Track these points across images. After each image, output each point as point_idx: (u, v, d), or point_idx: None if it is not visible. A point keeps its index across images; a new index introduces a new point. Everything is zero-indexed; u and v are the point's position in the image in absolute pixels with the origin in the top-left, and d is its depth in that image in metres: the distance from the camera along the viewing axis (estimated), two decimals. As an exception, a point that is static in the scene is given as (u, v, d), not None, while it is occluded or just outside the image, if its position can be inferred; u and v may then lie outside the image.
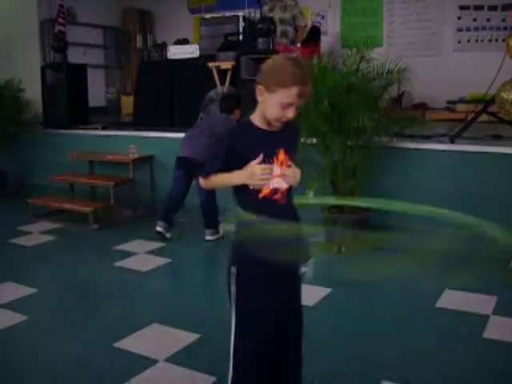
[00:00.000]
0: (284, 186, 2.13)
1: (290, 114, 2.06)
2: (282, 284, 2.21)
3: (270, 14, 7.52)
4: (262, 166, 2.06)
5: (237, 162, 2.09)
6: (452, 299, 3.85)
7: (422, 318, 3.60)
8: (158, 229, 5.27)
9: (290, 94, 2.01)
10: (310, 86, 2.06)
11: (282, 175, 2.10)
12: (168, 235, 5.29)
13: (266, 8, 7.69)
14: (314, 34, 9.29)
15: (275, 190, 2.12)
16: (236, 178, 2.10)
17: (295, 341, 2.33)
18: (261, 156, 2.06)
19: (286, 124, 2.15)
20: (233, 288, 2.16)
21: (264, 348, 2.19)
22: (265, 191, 2.11)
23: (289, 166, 2.13)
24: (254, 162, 2.05)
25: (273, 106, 2.06)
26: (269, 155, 2.10)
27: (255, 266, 2.11)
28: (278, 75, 2.04)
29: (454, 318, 3.58)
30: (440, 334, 3.37)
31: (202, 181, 2.22)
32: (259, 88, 2.09)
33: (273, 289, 2.18)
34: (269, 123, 2.13)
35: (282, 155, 2.12)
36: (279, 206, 2.14)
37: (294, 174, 2.13)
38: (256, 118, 2.15)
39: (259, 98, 2.10)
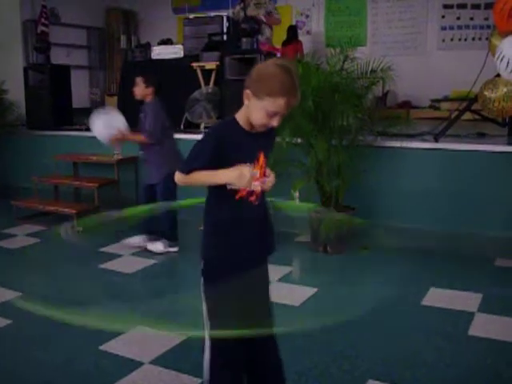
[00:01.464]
0: (259, 188, 2.15)
1: (275, 122, 2.06)
2: (246, 282, 2.20)
3: (242, 13, 7.53)
4: (251, 170, 2.06)
5: (222, 162, 2.07)
6: (437, 297, 3.87)
7: (407, 316, 3.61)
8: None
9: (277, 103, 2.00)
10: (298, 97, 2.05)
11: (261, 181, 2.13)
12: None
13: (237, 7, 7.71)
14: (293, 32, 9.32)
15: (251, 192, 2.15)
16: (222, 176, 2.06)
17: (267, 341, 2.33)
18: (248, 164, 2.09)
19: None
20: (201, 281, 2.24)
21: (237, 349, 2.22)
22: (241, 193, 2.13)
23: (263, 171, 2.15)
24: (245, 167, 2.04)
25: (258, 112, 2.04)
26: (252, 158, 2.12)
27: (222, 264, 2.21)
28: (267, 83, 2.00)
29: (439, 315, 3.60)
30: (426, 331, 3.38)
31: (178, 176, 2.14)
32: (247, 92, 2.06)
33: (237, 287, 2.17)
34: (252, 125, 2.12)
35: (261, 158, 2.14)
36: (253, 207, 2.18)
37: (272, 180, 2.18)
38: (240, 118, 2.13)
39: (245, 102, 2.08)
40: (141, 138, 4.99)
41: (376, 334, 3.36)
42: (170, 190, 4.65)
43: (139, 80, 5.06)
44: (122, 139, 5.04)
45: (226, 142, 2.10)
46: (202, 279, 2.22)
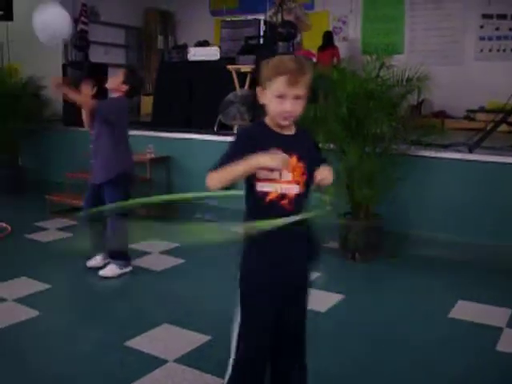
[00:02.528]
0: (292, 192, 2.08)
1: (288, 106, 2.02)
2: (282, 296, 2.18)
3: (274, 18, 7.56)
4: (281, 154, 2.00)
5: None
6: (465, 310, 3.82)
7: (433, 328, 3.57)
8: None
9: (278, 84, 2.01)
10: (301, 74, 2.02)
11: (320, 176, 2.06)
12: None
13: (270, 12, 7.74)
14: (329, 38, 9.32)
15: (283, 196, 2.07)
16: (253, 160, 1.96)
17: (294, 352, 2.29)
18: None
19: (298, 128, 2.16)
20: (238, 292, 2.16)
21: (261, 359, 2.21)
22: (272, 195, 2.07)
23: (297, 174, 2.09)
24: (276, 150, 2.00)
25: (270, 102, 2.06)
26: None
27: (259, 275, 2.14)
28: (266, 71, 2.06)
29: (466, 329, 3.55)
30: (452, 345, 3.34)
31: (210, 176, 2.01)
32: (259, 90, 2.11)
33: (273, 300, 2.15)
34: (280, 126, 2.10)
35: (294, 161, 2.07)
36: (286, 214, 2.04)
37: (322, 173, 2.06)
38: (268, 120, 2.13)
39: (261, 101, 2.10)
40: (87, 99, 4.38)
41: (401, 344, 3.33)
42: (119, 195, 4.24)
43: (122, 72, 4.46)
44: (59, 87, 4.60)
45: (256, 143, 2.06)
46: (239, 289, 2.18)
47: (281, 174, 2.06)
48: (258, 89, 2.11)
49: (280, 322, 2.18)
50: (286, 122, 2.08)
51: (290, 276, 2.17)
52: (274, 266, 2.12)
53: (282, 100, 2.03)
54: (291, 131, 2.14)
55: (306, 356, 2.29)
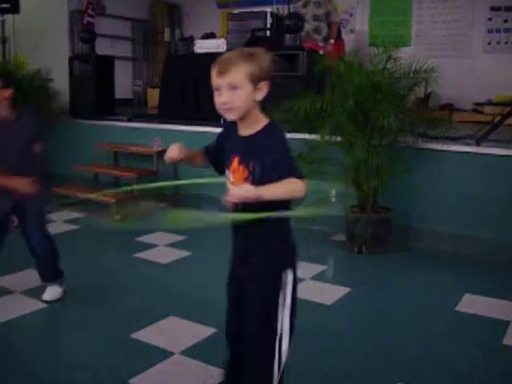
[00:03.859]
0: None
1: (222, 97, 1.96)
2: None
3: (304, 10, 7.49)
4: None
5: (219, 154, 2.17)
6: (472, 303, 3.81)
7: (440, 321, 3.57)
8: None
9: (212, 76, 1.99)
10: (232, 62, 1.95)
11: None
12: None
13: (299, 3, 7.67)
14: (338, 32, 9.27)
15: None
16: None
17: None
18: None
19: (263, 128, 2.02)
20: (288, 295, 2.07)
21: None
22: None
23: (239, 177, 2.02)
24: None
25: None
26: (228, 160, 2.08)
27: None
28: None
29: (473, 322, 3.54)
30: (458, 337, 3.33)
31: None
32: None
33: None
34: (240, 125, 2.06)
35: (235, 163, 2.04)
36: (232, 211, 2.01)
37: (237, 194, 1.85)
38: None
39: None
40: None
41: (407, 337, 3.32)
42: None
43: None
44: None
45: (222, 141, 2.19)
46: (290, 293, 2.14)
47: (229, 175, 2.08)
48: None
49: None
50: (228, 116, 2.00)
51: (236, 267, 2.19)
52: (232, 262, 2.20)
53: (218, 93, 1.98)
54: (249, 131, 2.03)
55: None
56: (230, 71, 1.93)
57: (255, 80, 1.95)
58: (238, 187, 1.89)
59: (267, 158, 1.94)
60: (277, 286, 2.06)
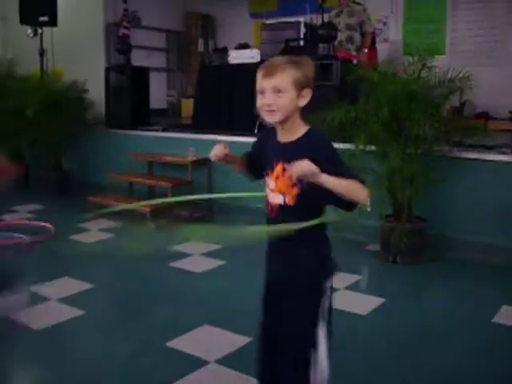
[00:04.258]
0: (276, 201, 2.07)
1: (267, 99, 2.01)
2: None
3: (337, 19, 7.50)
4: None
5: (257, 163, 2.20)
6: (510, 315, 3.75)
7: (477, 333, 3.51)
8: None
9: (258, 79, 2.05)
10: (279, 66, 2.00)
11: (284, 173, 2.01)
12: None
13: (332, 13, 7.67)
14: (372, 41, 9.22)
15: (268, 203, 2.12)
16: None
17: None
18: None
19: (306, 134, 2.05)
20: (326, 304, 2.10)
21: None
22: (265, 202, 2.15)
23: (282, 183, 2.05)
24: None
25: (257, 99, 2.07)
26: (268, 167, 2.10)
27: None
28: None
29: (510, 334, 3.48)
30: (496, 350, 3.28)
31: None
32: None
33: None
34: (280, 131, 2.10)
35: (278, 169, 2.05)
36: (271, 220, 2.11)
37: (297, 167, 1.86)
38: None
39: None
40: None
41: (442, 348, 3.28)
42: None
43: None
44: None
45: (258, 148, 2.24)
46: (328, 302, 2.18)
47: (269, 181, 2.11)
48: None
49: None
50: (270, 119, 2.04)
51: (274, 275, 2.19)
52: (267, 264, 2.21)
53: (262, 94, 2.03)
54: (291, 137, 2.06)
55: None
56: (276, 75, 1.99)
57: (299, 86, 2.00)
58: (299, 163, 1.86)
59: (327, 164, 1.91)
60: (317, 297, 2.08)
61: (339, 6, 7.72)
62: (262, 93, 2.02)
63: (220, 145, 2.13)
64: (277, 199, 2.07)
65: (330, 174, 1.88)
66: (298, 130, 2.06)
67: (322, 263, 2.11)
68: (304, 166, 1.84)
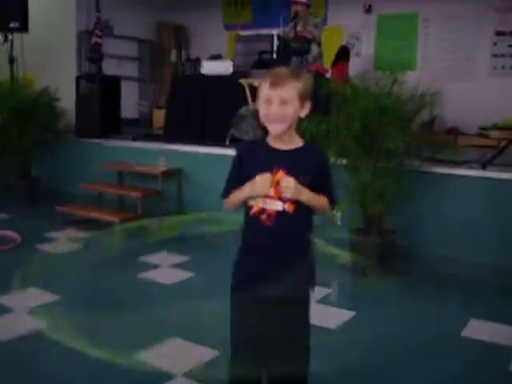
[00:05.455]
0: (274, 207, 2.10)
1: (273, 108, 2.07)
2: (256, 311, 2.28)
3: (291, 34, 7.50)
4: (264, 175, 2.07)
5: (242, 179, 2.14)
6: (478, 329, 3.77)
7: (446, 347, 3.52)
8: None
9: (263, 89, 2.09)
10: (285, 77, 2.08)
11: (275, 185, 2.07)
12: None
13: (288, 28, 7.67)
14: (342, 53, 9.28)
15: (263, 210, 2.12)
16: (243, 191, 2.13)
17: None
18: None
19: (305, 145, 2.18)
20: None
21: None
22: (254, 209, 2.13)
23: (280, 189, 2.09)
24: (261, 175, 2.08)
25: (260, 108, 2.12)
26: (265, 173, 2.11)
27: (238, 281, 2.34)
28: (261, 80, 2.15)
29: (479, 348, 3.50)
30: (464, 364, 3.29)
31: (224, 204, 2.23)
32: (256, 104, 2.18)
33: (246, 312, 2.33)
34: (278, 141, 2.15)
35: (280, 175, 2.08)
36: (265, 228, 2.12)
37: (288, 185, 2.05)
38: (269, 136, 2.19)
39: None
40: None
41: (412, 362, 3.29)
42: None
43: None
44: None
45: (245, 159, 2.19)
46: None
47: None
48: (257, 101, 2.16)
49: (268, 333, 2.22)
50: (275, 129, 2.10)
51: (264, 289, 2.16)
52: (251, 277, 2.21)
53: (268, 104, 2.08)
54: (291, 146, 2.16)
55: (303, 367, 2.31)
56: (284, 87, 2.06)
57: (303, 98, 2.11)
58: (290, 178, 2.05)
59: (322, 177, 2.17)
60: (308, 304, 2.26)
61: (297, 18, 7.66)
62: (269, 103, 2.08)
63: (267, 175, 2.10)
64: (275, 206, 2.10)
65: (323, 185, 2.16)
66: (295, 140, 2.18)
67: (312, 274, 2.27)
68: (291, 183, 2.03)
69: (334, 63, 9.12)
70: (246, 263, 2.23)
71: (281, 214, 2.10)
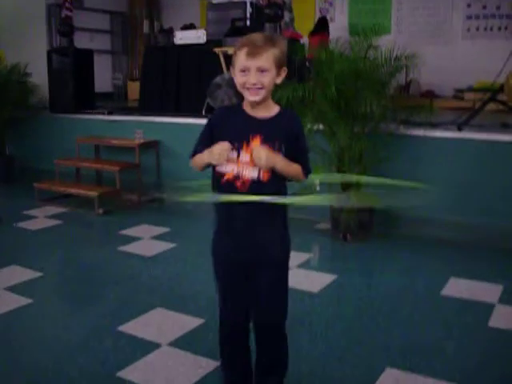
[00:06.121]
0: (249, 175, 2.10)
1: (251, 78, 2.05)
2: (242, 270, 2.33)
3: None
4: (223, 144, 2.06)
5: (212, 143, 2.12)
6: (457, 287, 3.83)
7: (427, 306, 3.58)
8: None
9: (240, 58, 2.06)
10: (262, 46, 2.05)
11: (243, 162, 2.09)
12: None
13: None
14: (322, 24, 9.20)
15: (237, 177, 2.12)
16: (204, 156, 2.12)
17: None
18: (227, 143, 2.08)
19: (281, 112, 2.18)
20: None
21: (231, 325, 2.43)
22: (228, 175, 2.13)
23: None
24: (221, 143, 2.07)
25: (236, 76, 2.10)
26: (240, 140, 2.10)
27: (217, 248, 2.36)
28: (234, 48, 2.12)
29: (459, 306, 3.56)
30: (445, 321, 3.35)
31: (191, 163, 2.23)
32: (231, 71, 2.15)
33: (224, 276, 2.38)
34: (255, 108, 2.14)
35: (256, 142, 2.09)
36: (239, 194, 2.10)
37: (256, 153, 2.06)
38: (244, 103, 2.18)
39: (235, 81, 2.14)
40: None
41: (394, 322, 3.34)
42: None
43: None
44: None
45: (219, 125, 2.17)
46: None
47: (239, 155, 2.10)
48: (231, 69, 2.15)
49: (251, 295, 2.27)
50: (253, 98, 2.09)
51: (240, 251, 2.21)
52: (230, 242, 2.23)
53: (245, 73, 2.06)
54: (267, 113, 2.15)
55: (283, 327, 2.37)
56: (261, 55, 2.04)
57: (279, 65, 2.09)
58: (262, 147, 2.06)
59: (297, 144, 2.17)
60: (287, 269, 2.30)
61: None
62: (245, 71, 2.06)
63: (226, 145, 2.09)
64: (251, 173, 2.10)
65: (297, 149, 2.16)
66: (272, 107, 2.17)
67: (287, 240, 2.29)
68: (262, 154, 2.04)
69: (313, 34, 9.04)
70: (222, 232, 2.26)
71: (256, 182, 2.11)
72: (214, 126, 2.19)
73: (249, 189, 2.10)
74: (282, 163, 2.09)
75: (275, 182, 2.13)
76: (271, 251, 2.22)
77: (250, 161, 2.08)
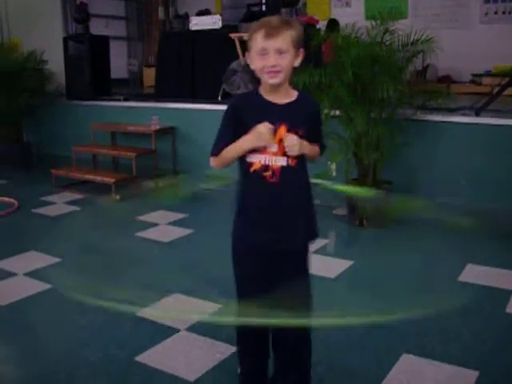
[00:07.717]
0: (277, 163, 2.06)
1: (271, 60, 2.00)
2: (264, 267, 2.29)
3: None
4: (265, 124, 2.01)
5: (244, 132, 2.06)
6: (475, 274, 3.82)
7: (444, 292, 3.57)
8: None
9: (258, 40, 2.01)
10: (280, 27, 2.01)
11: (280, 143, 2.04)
12: None
13: None
14: (332, 28, 9.07)
15: (266, 167, 2.07)
16: (242, 142, 2.05)
17: None
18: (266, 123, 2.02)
19: (299, 95, 2.13)
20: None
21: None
22: (256, 166, 2.07)
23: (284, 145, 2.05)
24: (261, 124, 2.01)
25: (254, 60, 2.06)
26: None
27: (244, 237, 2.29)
28: (249, 32, 2.08)
29: (476, 292, 3.55)
30: (462, 307, 3.34)
31: (212, 161, 2.15)
32: (247, 55, 2.11)
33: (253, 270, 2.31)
34: (274, 93, 2.09)
35: (282, 131, 2.04)
36: (269, 186, 2.07)
37: (292, 143, 2.03)
38: (262, 89, 2.12)
39: (251, 66, 2.09)
40: None
41: (411, 308, 3.33)
42: None
43: None
44: None
45: (242, 112, 2.10)
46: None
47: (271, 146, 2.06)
48: (247, 54, 2.11)
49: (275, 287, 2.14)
50: (273, 80, 2.04)
51: (274, 241, 2.15)
52: (257, 230, 2.16)
53: (264, 56, 2.02)
54: (287, 99, 2.11)
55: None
56: (279, 36, 2.00)
57: (297, 46, 2.05)
58: (293, 136, 2.04)
59: (316, 125, 2.20)
60: (308, 254, 2.30)
61: None
62: (264, 54, 2.01)
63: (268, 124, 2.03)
64: (279, 161, 2.07)
65: (315, 130, 2.18)
66: (290, 92, 2.14)
67: (315, 225, 2.31)
68: (296, 141, 2.03)
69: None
70: (246, 222, 2.19)
71: (286, 169, 2.07)
72: (237, 116, 2.10)
73: (279, 178, 2.07)
74: (308, 148, 2.12)
75: (303, 166, 2.14)
76: (302, 239, 2.22)
77: (279, 149, 2.05)
